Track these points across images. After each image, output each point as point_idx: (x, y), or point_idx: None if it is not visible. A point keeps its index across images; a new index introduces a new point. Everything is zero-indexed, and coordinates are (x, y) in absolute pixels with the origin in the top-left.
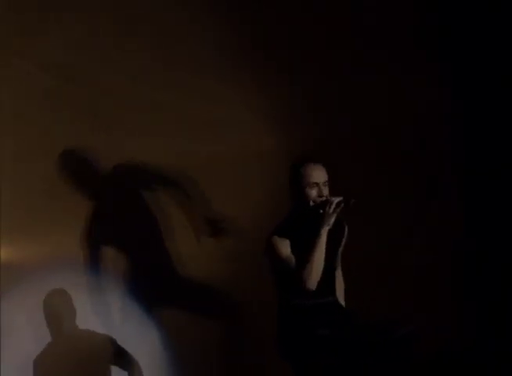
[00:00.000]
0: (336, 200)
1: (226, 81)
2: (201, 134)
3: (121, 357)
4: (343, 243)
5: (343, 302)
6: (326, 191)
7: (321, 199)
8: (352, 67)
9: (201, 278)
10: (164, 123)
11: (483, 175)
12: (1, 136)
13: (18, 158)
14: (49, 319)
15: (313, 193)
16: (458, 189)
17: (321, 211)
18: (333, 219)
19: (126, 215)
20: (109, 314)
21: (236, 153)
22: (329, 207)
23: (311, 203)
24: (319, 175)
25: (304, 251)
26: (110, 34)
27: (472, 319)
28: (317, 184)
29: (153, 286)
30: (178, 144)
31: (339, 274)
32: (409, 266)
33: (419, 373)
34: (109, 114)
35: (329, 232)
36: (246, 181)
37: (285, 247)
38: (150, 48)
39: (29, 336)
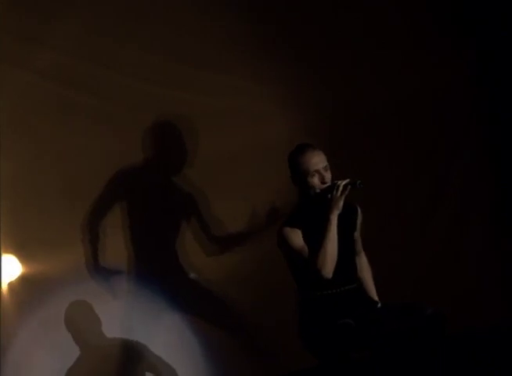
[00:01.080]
0: (342, 182)
1: (239, 70)
2: (217, 126)
3: (155, 364)
4: (358, 226)
5: (373, 288)
6: (328, 176)
7: (326, 185)
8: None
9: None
10: (176, 120)
11: None
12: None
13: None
14: (73, 333)
15: (315, 180)
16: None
17: (329, 196)
18: (341, 203)
19: (142, 219)
20: (130, 321)
21: (251, 143)
22: (337, 191)
23: (317, 190)
24: (317, 161)
25: (316, 240)
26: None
27: None
28: (317, 171)
29: (172, 290)
30: (194, 138)
31: (363, 259)
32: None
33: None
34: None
35: (341, 216)
36: (263, 170)
37: (297, 238)
38: (160, 48)
39: (49, 351)
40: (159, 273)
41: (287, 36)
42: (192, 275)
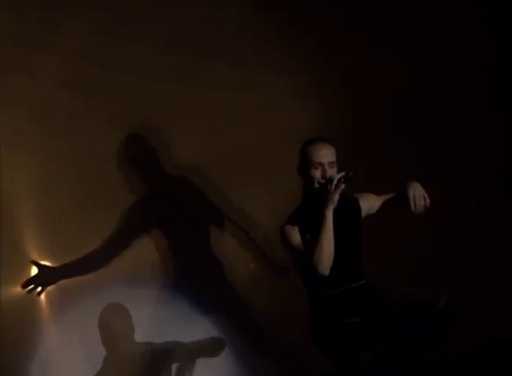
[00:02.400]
0: (337, 176)
1: (256, 62)
2: (237, 118)
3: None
4: (361, 220)
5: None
6: (331, 172)
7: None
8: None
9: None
10: (190, 117)
11: None
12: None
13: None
14: (104, 337)
15: (317, 173)
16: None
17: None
18: (336, 197)
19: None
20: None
21: (269, 136)
22: (331, 186)
23: (316, 184)
24: (323, 154)
25: (313, 236)
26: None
27: None
28: (321, 164)
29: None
30: (215, 134)
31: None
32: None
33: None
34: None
35: (341, 211)
36: (280, 161)
37: (295, 236)
38: (171, 44)
39: (81, 357)
40: (187, 280)
41: (304, 26)
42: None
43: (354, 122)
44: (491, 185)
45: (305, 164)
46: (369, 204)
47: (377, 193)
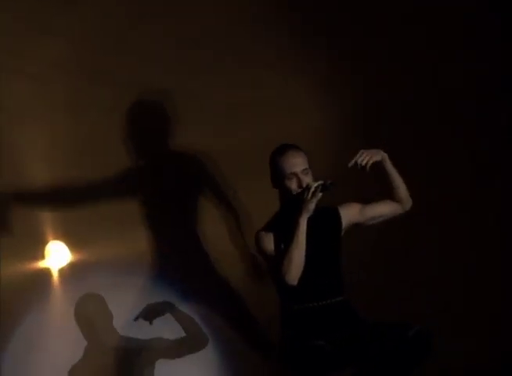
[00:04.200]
0: (314, 184)
1: (272, 61)
2: (254, 115)
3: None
4: (342, 230)
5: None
6: (307, 179)
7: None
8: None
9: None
10: (207, 110)
11: None
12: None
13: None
14: (82, 327)
15: (292, 183)
16: None
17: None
18: (312, 206)
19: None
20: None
21: (282, 134)
22: (307, 194)
23: (293, 193)
24: (295, 163)
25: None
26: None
27: None
28: (295, 174)
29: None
30: (230, 128)
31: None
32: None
33: None
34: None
35: (320, 222)
36: None
37: (268, 243)
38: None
39: (62, 347)
40: (177, 268)
41: (320, 25)
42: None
43: (365, 124)
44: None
45: (278, 175)
46: (351, 213)
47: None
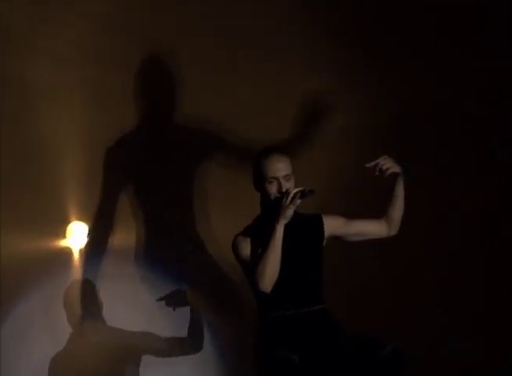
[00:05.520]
0: (293, 191)
1: (307, 57)
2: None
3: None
4: (324, 240)
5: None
6: (288, 185)
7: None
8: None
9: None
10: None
11: None
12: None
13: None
14: (68, 314)
15: (272, 188)
16: None
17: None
18: (290, 212)
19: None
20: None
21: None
22: (286, 199)
23: (272, 198)
24: (277, 168)
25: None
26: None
27: None
28: (276, 178)
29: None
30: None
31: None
32: None
33: None
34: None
35: (301, 229)
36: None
37: (245, 248)
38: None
39: (47, 336)
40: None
41: (344, 24)
42: None
43: (387, 132)
44: None
45: (260, 178)
46: (335, 224)
47: None
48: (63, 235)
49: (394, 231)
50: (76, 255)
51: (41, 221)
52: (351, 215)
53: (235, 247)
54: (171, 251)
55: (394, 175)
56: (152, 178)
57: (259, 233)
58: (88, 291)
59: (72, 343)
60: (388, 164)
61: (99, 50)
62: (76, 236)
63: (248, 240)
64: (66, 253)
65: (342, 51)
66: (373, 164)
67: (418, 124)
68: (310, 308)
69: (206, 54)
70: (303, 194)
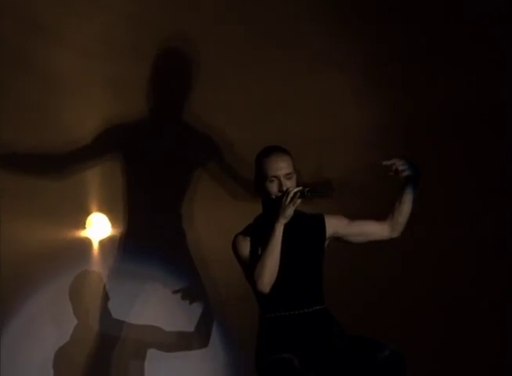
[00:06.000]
0: (293, 190)
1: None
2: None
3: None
4: (326, 240)
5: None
6: (289, 185)
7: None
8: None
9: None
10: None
11: None
12: None
13: None
14: (74, 306)
15: (273, 187)
16: None
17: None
18: (290, 212)
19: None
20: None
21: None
22: (286, 199)
23: (273, 197)
24: (279, 166)
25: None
26: None
27: None
28: (277, 177)
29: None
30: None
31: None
32: None
33: None
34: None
35: (302, 228)
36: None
37: (245, 247)
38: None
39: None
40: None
41: (370, 23)
42: None
43: (405, 134)
44: None
45: (260, 177)
46: (338, 224)
47: None
48: (82, 226)
49: (396, 234)
50: (95, 246)
51: (61, 211)
52: (368, 215)
53: (234, 246)
54: (181, 245)
55: (408, 178)
56: (163, 174)
57: (259, 233)
58: (95, 284)
59: (78, 335)
60: (405, 166)
61: (123, 44)
62: (95, 227)
63: (248, 239)
64: (86, 244)
65: (362, 49)
66: (389, 162)
67: (439, 125)
68: (310, 308)
69: (229, 50)
70: (302, 194)
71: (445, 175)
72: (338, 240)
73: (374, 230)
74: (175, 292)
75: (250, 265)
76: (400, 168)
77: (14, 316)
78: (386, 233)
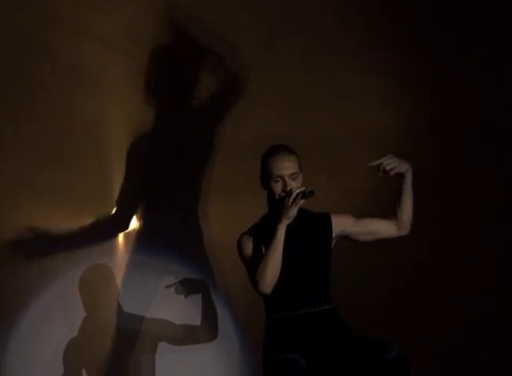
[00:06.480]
0: (297, 190)
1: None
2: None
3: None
4: (332, 239)
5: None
6: (293, 184)
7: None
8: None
9: None
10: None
11: None
12: None
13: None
14: (84, 300)
15: (277, 187)
16: None
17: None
18: (293, 212)
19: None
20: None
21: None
22: (289, 199)
23: (277, 197)
24: (284, 166)
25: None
26: None
27: None
28: (281, 177)
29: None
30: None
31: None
32: None
33: None
34: None
35: (308, 228)
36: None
37: (249, 247)
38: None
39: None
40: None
41: (397, 25)
42: None
43: (429, 135)
44: None
45: (266, 176)
46: (345, 223)
47: None
48: (101, 220)
49: (404, 231)
50: (111, 241)
51: (81, 204)
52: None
53: (239, 246)
54: (189, 239)
55: (400, 176)
56: (179, 170)
57: (264, 233)
58: (105, 276)
59: (93, 328)
60: (393, 164)
61: (147, 37)
62: (113, 221)
63: (252, 238)
64: (102, 238)
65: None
66: (376, 162)
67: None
68: (316, 308)
69: (254, 50)
70: (304, 195)
71: (465, 176)
72: (346, 238)
73: (382, 228)
74: (168, 286)
75: (253, 266)
76: (387, 167)
77: (29, 309)
78: (394, 231)
